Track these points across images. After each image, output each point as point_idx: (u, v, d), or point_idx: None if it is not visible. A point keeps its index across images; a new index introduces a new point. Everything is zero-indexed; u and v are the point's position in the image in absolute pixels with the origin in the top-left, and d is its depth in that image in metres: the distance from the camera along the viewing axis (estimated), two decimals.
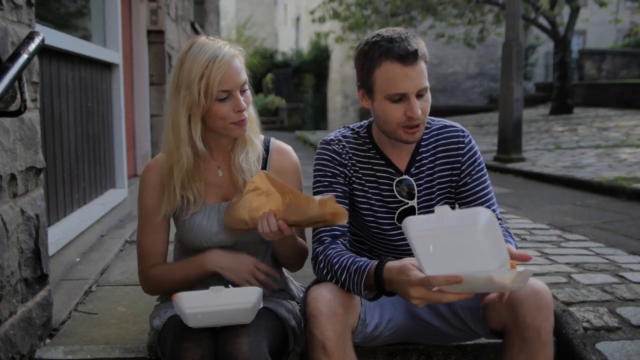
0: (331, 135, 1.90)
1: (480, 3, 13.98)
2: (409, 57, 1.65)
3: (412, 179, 1.85)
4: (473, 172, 1.87)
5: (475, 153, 1.88)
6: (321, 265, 1.75)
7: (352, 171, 1.85)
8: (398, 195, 1.85)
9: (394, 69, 1.66)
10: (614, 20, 14.05)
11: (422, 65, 1.69)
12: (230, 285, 1.74)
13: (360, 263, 1.65)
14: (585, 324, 2.19)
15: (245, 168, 1.81)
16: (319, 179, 1.84)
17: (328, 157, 1.84)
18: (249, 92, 1.78)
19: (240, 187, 1.82)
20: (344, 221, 1.59)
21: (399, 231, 1.88)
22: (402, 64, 1.65)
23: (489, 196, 1.88)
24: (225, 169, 1.86)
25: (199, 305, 1.57)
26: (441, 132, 1.88)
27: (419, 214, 1.85)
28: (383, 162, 1.85)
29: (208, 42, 1.72)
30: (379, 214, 1.87)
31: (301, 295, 2.03)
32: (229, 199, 1.84)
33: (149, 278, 1.88)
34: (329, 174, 1.83)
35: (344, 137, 1.88)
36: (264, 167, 1.88)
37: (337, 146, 1.85)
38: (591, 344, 2.09)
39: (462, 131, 1.89)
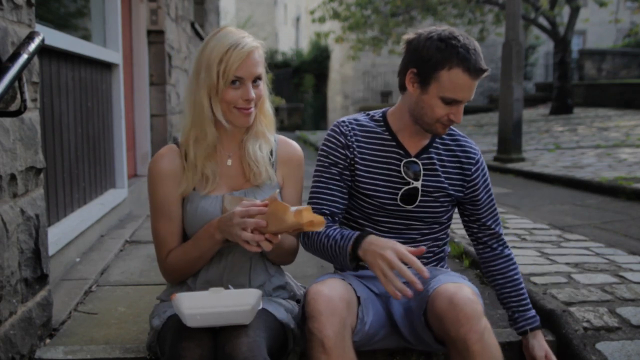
0: (346, 117, 1.99)
1: (480, 3, 13.98)
2: (479, 73, 1.76)
3: (420, 162, 1.93)
4: (481, 190, 1.99)
5: (484, 171, 2.00)
6: (311, 239, 1.85)
7: (355, 152, 1.92)
8: (405, 176, 1.92)
9: (463, 78, 1.76)
10: (614, 20, 14.06)
11: None
12: (230, 287, 1.74)
13: (347, 232, 1.80)
14: (585, 324, 2.19)
15: (260, 157, 1.84)
16: (321, 159, 1.95)
17: (335, 139, 1.93)
18: (262, 87, 1.82)
19: (251, 178, 1.84)
20: (321, 228, 1.61)
21: (400, 208, 1.94)
22: (471, 77, 1.76)
23: (496, 212, 2.05)
24: (235, 159, 1.88)
25: (198, 306, 1.57)
26: (456, 139, 1.99)
27: (421, 195, 1.93)
28: (394, 143, 1.93)
29: (234, 31, 1.79)
30: (382, 193, 1.93)
31: (301, 293, 2.03)
32: (237, 188, 1.85)
33: (167, 265, 1.87)
34: (333, 154, 1.92)
35: (356, 120, 1.97)
36: (271, 159, 1.90)
37: (345, 128, 1.94)
38: (591, 344, 2.09)
39: (475, 149, 2.01)
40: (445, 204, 1.97)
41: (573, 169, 6.61)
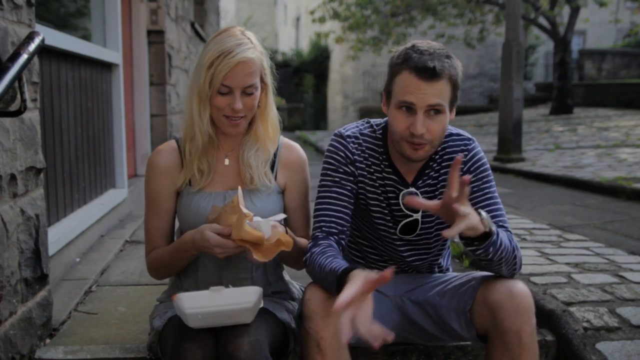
0: (349, 129, 1.87)
1: (480, 3, 13.98)
2: (426, 72, 1.65)
3: (418, 192, 1.84)
4: (474, 181, 1.81)
5: (478, 161, 1.83)
6: (307, 264, 1.75)
7: (365, 172, 1.84)
8: (404, 208, 1.84)
9: (410, 78, 1.67)
10: (614, 20, 14.08)
11: (443, 86, 1.67)
12: (230, 285, 1.74)
13: (334, 264, 1.63)
14: (585, 324, 2.19)
15: (254, 165, 1.83)
16: (329, 172, 1.83)
17: (342, 154, 1.83)
18: (257, 97, 1.78)
19: (245, 181, 1.83)
20: (288, 249, 1.63)
21: (394, 241, 1.89)
22: (419, 77, 1.65)
23: (494, 207, 1.80)
24: (233, 159, 1.88)
25: (200, 306, 1.58)
26: (447, 141, 1.85)
27: (422, 226, 1.85)
28: (390, 170, 1.84)
29: (236, 35, 1.74)
30: (389, 217, 1.87)
31: (300, 296, 2.03)
32: (233, 188, 1.85)
33: (147, 262, 1.91)
34: (341, 170, 1.82)
35: (362, 135, 1.85)
36: (273, 162, 1.89)
37: (352, 144, 1.83)
38: (591, 344, 2.09)
39: (468, 139, 1.86)
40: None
41: (573, 169, 6.61)
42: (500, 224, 1.78)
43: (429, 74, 1.65)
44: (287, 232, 1.73)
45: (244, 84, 1.72)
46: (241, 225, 1.60)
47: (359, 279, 1.47)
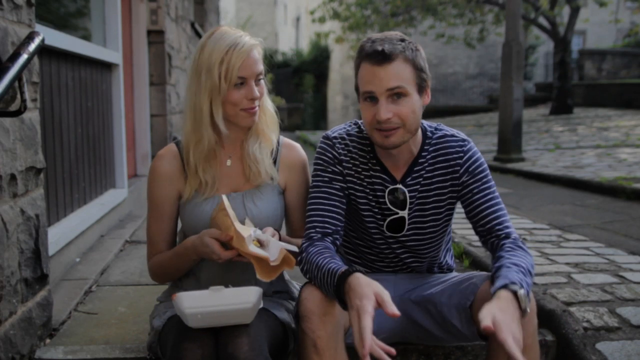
0: (336, 131, 1.89)
1: (480, 3, 13.98)
2: (377, 56, 1.66)
3: (405, 190, 1.83)
4: (473, 182, 1.80)
5: (475, 162, 1.82)
6: (302, 264, 1.76)
7: (352, 171, 1.85)
8: (389, 205, 1.84)
9: (366, 68, 1.70)
10: (614, 20, 14.07)
11: (399, 67, 1.66)
12: (230, 285, 1.74)
13: (332, 265, 1.63)
14: (585, 324, 2.19)
15: (259, 158, 1.84)
16: (319, 172, 1.85)
17: (329, 155, 1.84)
18: (263, 84, 1.81)
19: (251, 177, 1.84)
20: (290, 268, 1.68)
21: (385, 239, 1.89)
22: (372, 63, 1.68)
23: (496, 208, 1.79)
24: (235, 159, 1.88)
25: (199, 305, 1.58)
26: (440, 142, 1.84)
27: (409, 225, 1.86)
28: (378, 167, 1.85)
29: (229, 31, 1.77)
30: (379, 216, 1.88)
31: None
32: (238, 189, 1.86)
33: (149, 266, 1.92)
34: (329, 170, 1.84)
35: (349, 135, 1.87)
36: (274, 161, 1.90)
37: (338, 145, 1.85)
38: (591, 344, 2.09)
39: (463, 140, 1.84)
40: (440, 221, 1.89)
41: (573, 169, 6.61)
42: (505, 225, 1.77)
43: (380, 57, 1.66)
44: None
45: (257, 71, 1.75)
46: (244, 242, 1.61)
47: (366, 315, 1.45)
